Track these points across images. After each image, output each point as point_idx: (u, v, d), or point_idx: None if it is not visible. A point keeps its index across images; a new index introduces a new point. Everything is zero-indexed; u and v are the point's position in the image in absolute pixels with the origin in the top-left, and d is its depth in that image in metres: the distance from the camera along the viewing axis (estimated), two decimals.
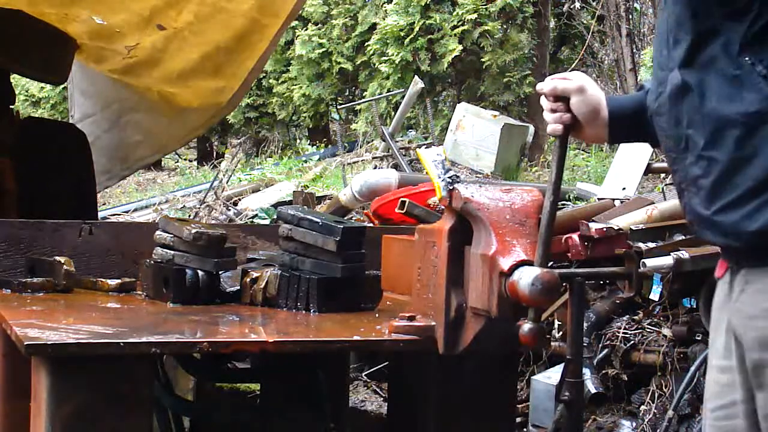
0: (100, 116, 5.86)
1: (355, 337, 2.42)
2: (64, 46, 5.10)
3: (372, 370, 5.16)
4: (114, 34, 5.11)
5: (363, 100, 12.72)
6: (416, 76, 10.72)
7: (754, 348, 1.78)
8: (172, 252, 2.81)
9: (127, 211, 10.85)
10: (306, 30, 13.88)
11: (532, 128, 10.49)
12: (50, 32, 4.93)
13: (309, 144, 14.83)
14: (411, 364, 2.63)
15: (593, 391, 4.04)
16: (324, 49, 13.68)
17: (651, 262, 3.80)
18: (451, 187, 2.20)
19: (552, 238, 2.11)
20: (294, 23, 12.53)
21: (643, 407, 4.09)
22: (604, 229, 4.11)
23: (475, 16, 11.07)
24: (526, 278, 1.99)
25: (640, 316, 4.27)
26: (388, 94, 11.60)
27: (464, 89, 11.73)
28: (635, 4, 12.41)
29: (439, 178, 2.21)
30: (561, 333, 4.28)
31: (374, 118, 11.27)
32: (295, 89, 14.31)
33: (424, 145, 9.93)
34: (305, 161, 12.39)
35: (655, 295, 4.20)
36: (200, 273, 2.76)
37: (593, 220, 4.37)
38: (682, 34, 1.82)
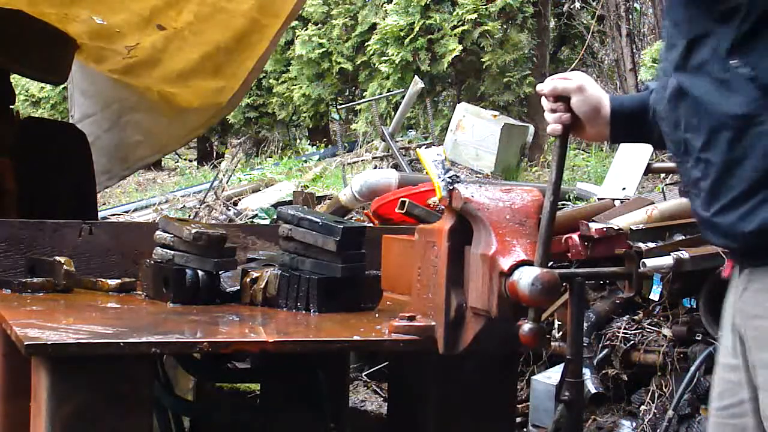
0: (100, 116, 5.86)
1: (355, 337, 2.42)
2: (64, 46, 5.10)
3: (372, 370, 5.16)
4: (114, 34, 5.11)
5: (363, 100, 12.72)
6: (416, 76, 10.73)
7: (753, 347, 1.79)
8: (172, 252, 2.81)
9: (127, 211, 10.84)
10: (306, 30, 13.88)
11: (532, 128, 10.49)
12: (50, 32, 4.93)
13: (309, 144, 14.83)
14: (411, 364, 2.63)
15: (593, 391, 4.04)
16: (324, 49, 13.69)
17: (651, 262, 3.80)
18: (451, 187, 2.20)
19: (552, 238, 2.12)
20: (294, 23, 12.53)
21: (643, 407, 4.09)
22: (604, 229, 4.11)
23: (475, 16, 11.07)
24: (526, 278, 1.99)
25: (640, 316, 4.27)
26: (388, 94, 11.60)
27: (464, 89, 11.73)
28: (635, 4, 12.42)
29: (439, 178, 2.21)
30: (561, 333, 4.28)
31: (374, 118, 11.27)
32: (295, 89, 14.31)
33: (424, 145, 9.93)
34: (305, 161, 12.39)
35: (655, 295, 4.20)
36: (200, 273, 2.76)
37: (593, 220, 4.37)
38: (677, 38, 1.85)
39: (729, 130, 1.74)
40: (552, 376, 4.17)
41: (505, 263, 2.06)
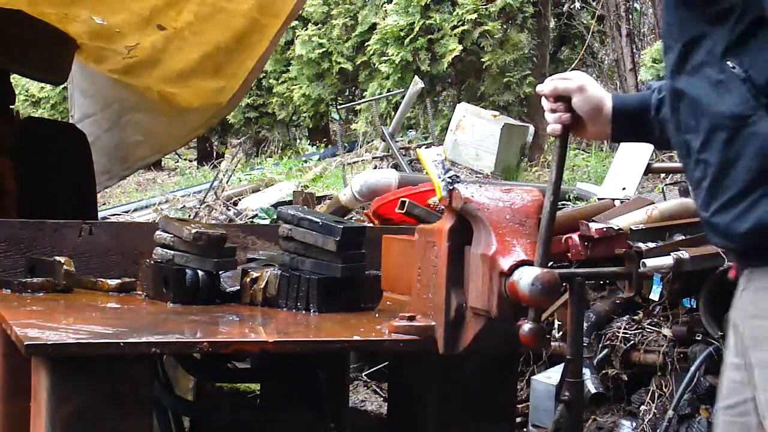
0: (100, 116, 5.86)
1: (355, 337, 2.42)
2: (64, 46, 5.09)
3: (372, 370, 5.16)
4: (114, 34, 5.11)
5: (363, 100, 12.72)
6: (416, 76, 10.73)
7: (750, 347, 1.80)
8: (172, 252, 2.81)
9: (127, 211, 10.85)
10: (306, 30, 13.88)
11: (532, 128, 10.49)
12: (50, 32, 4.93)
13: (309, 144, 14.83)
14: (411, 364, 2.63)
15: (593, 391, 4.04)
16: (324, 49, 13.69)
17: (651, 262, 3.80)
18: (451, 187, 2.20)
19: (552, 238, 2.12)
20: (294, 23, 12.53)
21: (643, 407, 4.09)
22: (604, 229, 4.10)
23: (475, 16, 11.07)
24: (526, 278, 1.99)
25: (640, 316, 4.27)
26: (388, 94, 11.60)
27: (464, 89, 11.73)
28: (635, 4, 12.42)
29: (439, 178, 2.21)
30: (561, 333, 4.28)
31: (374, 118, 11.27)
32: (295, 89, 14.31)
33: (424, 145, 9.93)
34: (305, 161, 12.39)
35: (655, 295, 4.20)
36: (200, 273, 2.76)
37: (593, 220, 4.37)
38: (672, 41, 1.86)
39: (724, 130, 1.76)
40: (552, 376, 4.17)
41: (505, 263, 2.06)
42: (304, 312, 2.67)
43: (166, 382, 3.10)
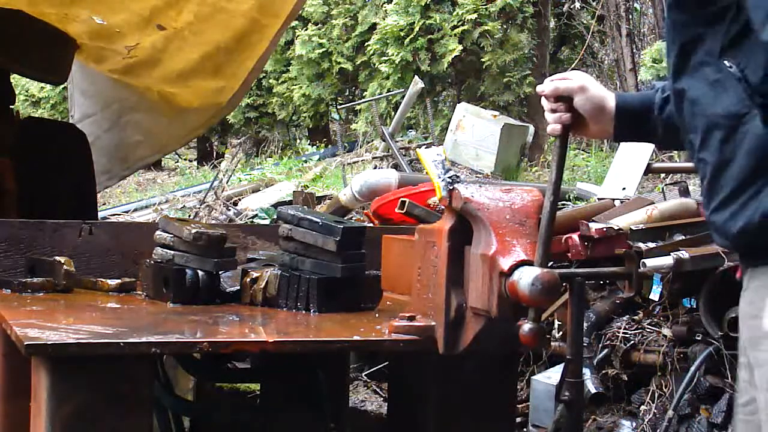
0: (100, 116, 5.86)
1: (355, 337, 2.41)
2: (64, 46, 5.09)
3: (372, 370, 5.16)
4: (114, 34, 5.11)
5: (363, 100, 12.72)
6: (416, 76, 10.73)
7: (748, 347, 1.81)
8: (172, 252, 2.81)
9: (127, 211, 10.85)
10: (306, 30, 13.88)
11: (532, 128, 10.49)
12: (50, 32, 4.93)
13: (309, 144, 14.83)
14: (411, 364, 2.63)
15: (593, 391, 4.04)
16: (324, 49, 13.69)
17: (651, 262, 3.80)
18: (451, 187, 2.20)
19: (552, 238, 2.12)
20: (294, 23, 12.53)
21: (643, 407, 4.09)
22: (604, 229, 4.11)
23: (475, 16, 11.07)
24: (526, 278, 1.99)
25: (640, 316, 4.27)
26: (388, 94, 11.60)
27: (464, 89, 11.73)
28: (635, 4, 12.41)
29: (439, 178, 2.21)
30: (561, 333, 4.28)
31: (374, 118, 11.27)
32: (295, 89, 14.31)
33: (424, 145, 9.93)
34: (305, 161, 12.39)
35: (655, 295, 4.20)
36: (200, 273, 2.76)
37: (593, 220, 4.37)
38: (671, 43, 1.88)
39: (720, 129, 1.77)
40: (552, 376, 4.16)
41: (505, 263, 2.06)
42: (304, 312, 2.67)
43: (166, 382, 3.10)
